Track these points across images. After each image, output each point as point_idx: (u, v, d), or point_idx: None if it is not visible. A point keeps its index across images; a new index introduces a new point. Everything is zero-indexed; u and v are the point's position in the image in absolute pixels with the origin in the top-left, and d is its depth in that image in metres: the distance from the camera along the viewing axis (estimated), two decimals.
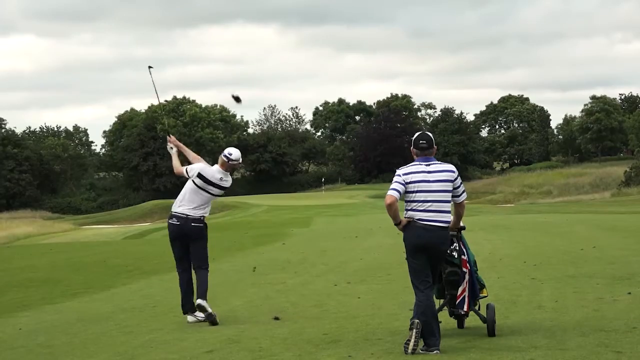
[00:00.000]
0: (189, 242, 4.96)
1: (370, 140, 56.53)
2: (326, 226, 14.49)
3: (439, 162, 3.52)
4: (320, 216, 18.08)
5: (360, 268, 7.35)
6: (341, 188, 51.51)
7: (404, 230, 3.53)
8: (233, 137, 57.72)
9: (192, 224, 4.90)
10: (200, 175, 5.00)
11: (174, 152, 5.09)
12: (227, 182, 5.07)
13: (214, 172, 5.08)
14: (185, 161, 5.26)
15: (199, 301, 4.86)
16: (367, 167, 57.13)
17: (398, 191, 3.47)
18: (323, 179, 52.44)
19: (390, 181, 3.60)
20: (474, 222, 13.00)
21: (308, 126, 69.97)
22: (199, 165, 5.07)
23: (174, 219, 5.00)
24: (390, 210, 3.41)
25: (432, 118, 65.33)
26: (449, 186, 3.50)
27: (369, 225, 13.66)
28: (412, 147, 3.59)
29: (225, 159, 5.11)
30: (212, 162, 5.52)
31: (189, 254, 5.01)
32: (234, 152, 5.14)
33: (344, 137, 67.77)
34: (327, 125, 68.69)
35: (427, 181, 3.46)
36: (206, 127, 55.50)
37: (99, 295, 6.87)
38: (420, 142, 3.52)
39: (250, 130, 64.41)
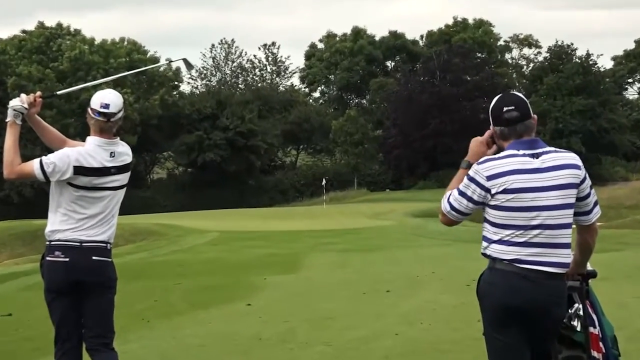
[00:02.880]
0: (86, 294, 4.09)
1: (414, 108, 50.72)
2: (330, 271, 12.56)
3: (552, 148, 2.99)
4: (318, 251, 16.26)
5: (396, 352, 5.95)
6: (358, 198, 46.54)
7: (485, 281, 3.00)
8: (152, 100, 50.36)
9: (94, 258, 4.05)
10: (78, 169, 4.02)
11: (17, 123, 4.00)
12: (126, 155, 4.16)
13: (96, 150, 4.09)
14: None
15: None
16: (408, 159, 51.75)
17: (462, 212, 2.98)
18: (324, 181, 44.56)
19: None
20: (614, 263, 10.81)
21: (296, 81, 66.60)
22: (65, 152, 4.04)
23: (56, 252, 4.03)
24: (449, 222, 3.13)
25: (532, 64, 58.53)
26: (571, 196, 2.96)
27: (411, 269, 11.68)
28: (492, 125, 3.04)
29: (98, 116, 4.10)
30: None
31: (81, 320, 4.20)
32: (108, 98, 4.14)
33: (363, 103, 62.51)
34: (330, 79, 62.00)
35: (533, 189, 2.91)
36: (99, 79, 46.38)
37: None
38: (506, 109, 2.99)
39: (185, 89, 60.13)
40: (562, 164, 2.97)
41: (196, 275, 12.65)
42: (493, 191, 2.94)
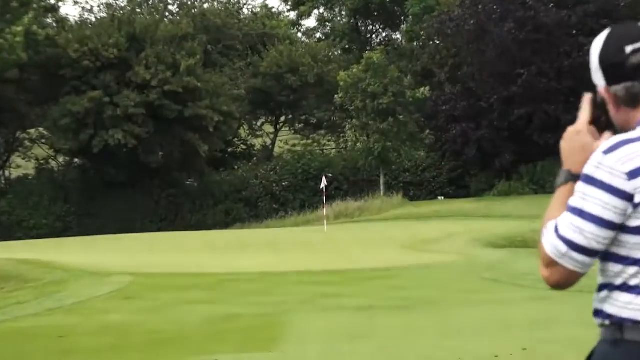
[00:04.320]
0: None
1: (490, 47, 53.53)
2: (335, 346, 13.28)
3: None
4: (314, 309, 17.44)
5: None
6: (387, 213, 49.42)
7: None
8: (10, 33, 52.84)
9: None
10: None
11: None
12: None
13: None
14: None
15: None
16: (479, 140, 54.24)
17: (593, 251, 3.28)
18: (325, 182, 44.77)
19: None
20: None
21: (274, 0, 74.27)
22: None
23: None
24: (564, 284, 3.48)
25: None
26: None
27: (486, 343, 12.72)
28: (604, 83, 3.41)
29: None
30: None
31: None
32: None
33: (396, 39, 67.18)
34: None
35: None
36: None
37: None
38: (632, 49, 3.33)
39: (69, 14, 64.38)
40: None
41: (89, 356, 13.57)
42: (638, 199, 3.15)
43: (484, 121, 52.05)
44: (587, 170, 3.20)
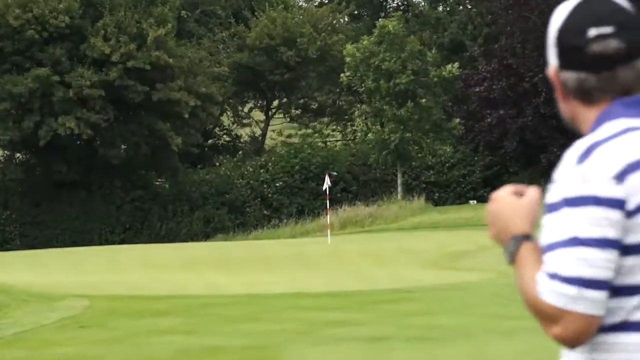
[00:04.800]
0: None
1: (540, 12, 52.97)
2: None
3: None
4: (315, 340, 17.80)
5: None
6: (406, 220, 51.07)
7: None
8: None
9: None
10: None
11: None
12: None
13: None
14: None
15: None
16: (521, 130, 54.54)
17: (603, 283, 3.32)
18: (328, 182, 45.13)
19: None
20: None
21: None
22: None
23: None
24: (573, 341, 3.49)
25: None
26: None
27: None
28: (557, 65, 3.51)
29: None
30: None
31: None
32: None
33: (418, 3, 70.01)
34: None
35: None
36: None
37: None
38: (596, 32, 3.41)
39: None
40: None
41: None
42: (632, 205, 3.25)
43: (527, 106, 51.74)
44: (565, 191, 3.21)
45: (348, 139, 61.87)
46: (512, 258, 3.24)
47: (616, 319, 3.19)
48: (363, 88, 53.95)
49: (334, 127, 63.34)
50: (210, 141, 59.98)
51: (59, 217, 53.64)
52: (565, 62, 3.35)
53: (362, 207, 50.47)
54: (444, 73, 54.36)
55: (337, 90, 61.32)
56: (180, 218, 54.96)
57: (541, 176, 53.76)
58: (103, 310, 21.67)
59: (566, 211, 3.13)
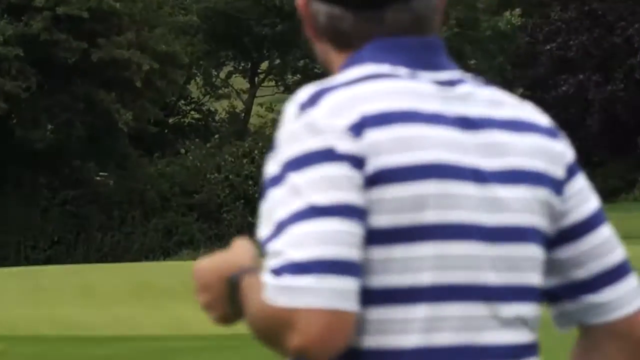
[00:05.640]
0: None
1: None
2: None
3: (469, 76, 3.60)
4: None
5: None
6: None
7: None
8: None
9: None
10: None
11: None
12: None
13: None
14: None
15: None
16: (598, 121, 61.03)
17: (350, 268, 3.52)
18: None
19: None
20: None
21: None
22: None
23: None
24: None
25: None
26: (539, 212, 3.52)
27: None
28: None
29: None
30: None
31: None
32: None
33: None
34: None
35: (465, 174, 3.54)
36: None
37: None
38: None
39: None
40: (521, 119, 3.53)
41: None
42: (371, 168, 3.37)
43: (617, 69, 54.71)
44: (287, 151, 3.30)
45: None
46: (235, 300, 3.25)
47: (404, 341, 3.26)
48: None
49: None
50: (172, 119, 61.33)
51: None
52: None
53: None
54: (500, 24, 53.92)
55: None
56: (131, 228, 55.35)
57: (637, 166, 54.63)
58: (22, 356, 21.56)
59: (292, 176, 3.13)
